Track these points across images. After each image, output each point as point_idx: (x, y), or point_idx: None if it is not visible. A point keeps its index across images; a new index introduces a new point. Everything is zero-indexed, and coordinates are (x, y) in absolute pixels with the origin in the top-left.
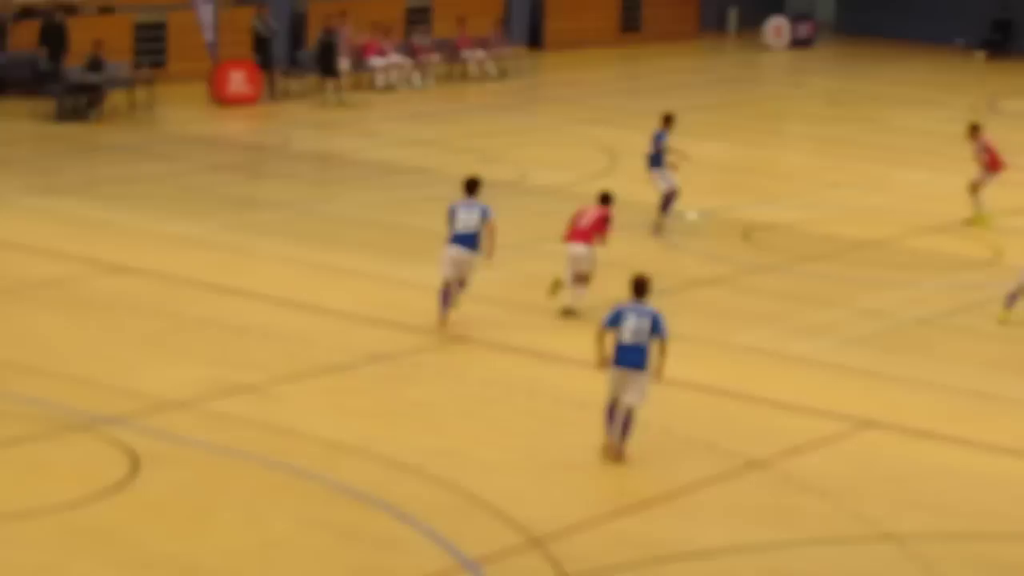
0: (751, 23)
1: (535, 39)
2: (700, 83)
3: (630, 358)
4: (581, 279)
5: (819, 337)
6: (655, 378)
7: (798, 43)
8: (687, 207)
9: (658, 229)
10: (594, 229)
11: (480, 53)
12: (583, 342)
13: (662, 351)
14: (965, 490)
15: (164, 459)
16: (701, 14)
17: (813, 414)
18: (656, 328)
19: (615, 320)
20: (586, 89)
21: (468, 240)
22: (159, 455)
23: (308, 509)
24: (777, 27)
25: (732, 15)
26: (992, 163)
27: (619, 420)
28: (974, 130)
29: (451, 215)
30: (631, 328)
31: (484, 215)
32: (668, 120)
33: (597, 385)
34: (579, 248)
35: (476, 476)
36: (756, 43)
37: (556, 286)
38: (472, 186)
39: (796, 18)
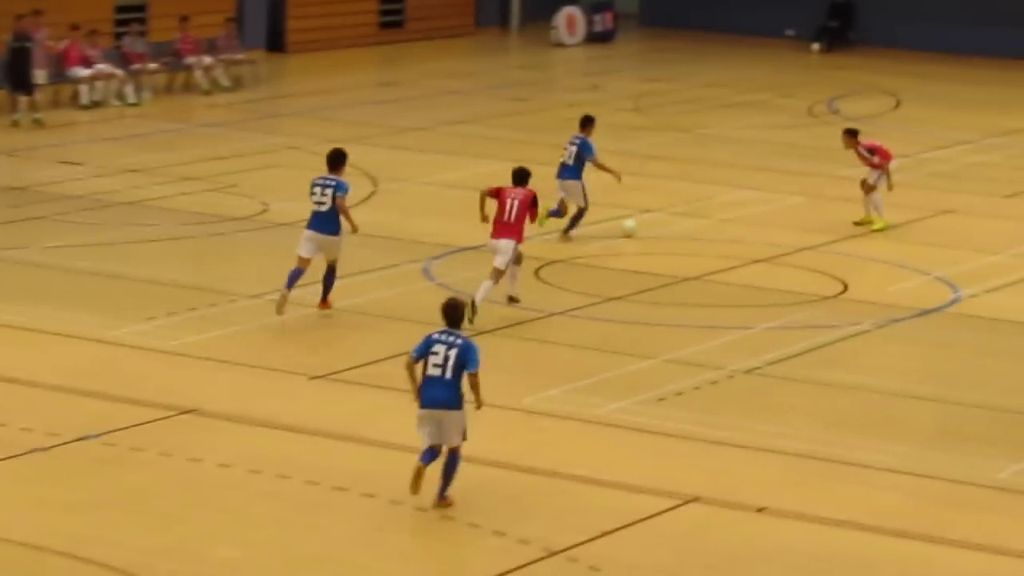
0: (539, 15)
1: (275, 41)
2: (477, 90)
3: (439, 396)
4: (516, 262)
5: (629, 395)
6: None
7: (596, 38)
8: (451, 242)
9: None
10: (522, 221)
11: (208, 59)
12: (340, 410)
13: (474, 386)
14: (810, 575)
15: None
16: (478, 6)
17: (625, 489)
18: (467, 360)
19: (423, 350)
20: (339, 100)
21: (321, 223)
22: None
23: None
24: (570, 19)
25: (515, 6)
26: (884, 156)
27: (441, 465)
28: (850, 134)
29: (310, 193)
30: (438, 360)
31: (337, 191)
32: (591, 122)
33: (359, 462)
34: (509, 243)
35: None
36: (545, 39)
37: (472, 310)
38: (335, 160)
39: (593, 8)
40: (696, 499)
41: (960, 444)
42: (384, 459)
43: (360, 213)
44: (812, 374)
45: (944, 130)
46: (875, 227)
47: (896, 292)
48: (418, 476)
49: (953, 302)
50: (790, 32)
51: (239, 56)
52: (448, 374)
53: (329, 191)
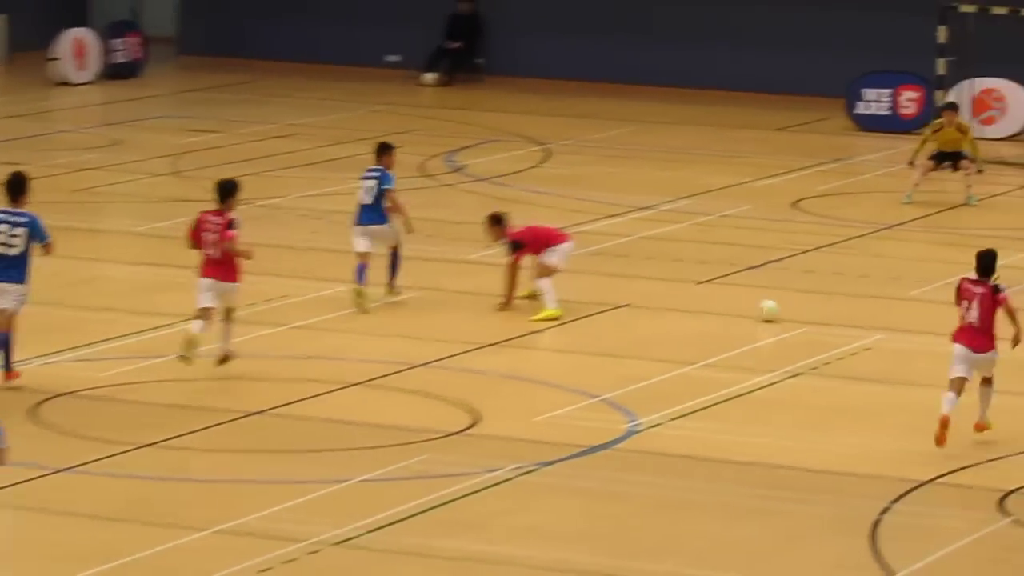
0: (32, 42)
1: None
2: None
3: None
4: (227, 316)
5: None
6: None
7: (117, 72)
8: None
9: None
10: (229, 253)
11: None
12: None
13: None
14: None
15: None
16: None
17: None
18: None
19: None
20: None
21: (10, 270)
22: None
23: None
24: (79, 47)
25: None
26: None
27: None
28: (494, 223)
29: None
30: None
31: (33, 235)
32: (389, 151)
33: None
34: (227, 285)
35: None
36: (42, 75)
37: (190, 346)
38: (15, 187)
39: (111, 31)
40: None
41: None
42: None
43: None
44: (430, 543)
45: (612, 191)
46: (541, 316)
47: (548, 423)
48: None
49: (628, 434)
50: (393, 58)
51: None
52: None
53: (20, 231)
